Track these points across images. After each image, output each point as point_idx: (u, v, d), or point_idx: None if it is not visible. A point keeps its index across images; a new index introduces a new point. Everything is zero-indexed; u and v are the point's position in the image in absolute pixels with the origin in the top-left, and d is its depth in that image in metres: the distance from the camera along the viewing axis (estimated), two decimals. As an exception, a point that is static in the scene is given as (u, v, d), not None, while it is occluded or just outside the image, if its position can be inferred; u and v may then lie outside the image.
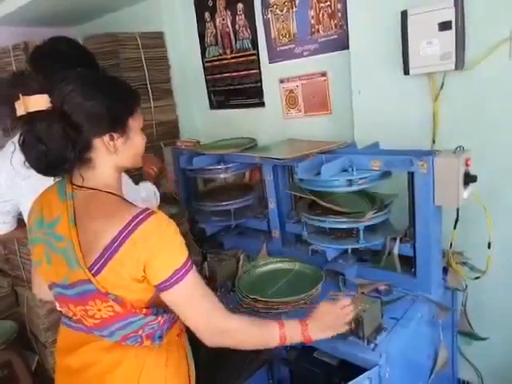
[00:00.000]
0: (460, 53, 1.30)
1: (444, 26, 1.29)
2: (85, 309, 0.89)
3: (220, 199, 1.78)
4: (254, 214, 1.78)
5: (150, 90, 2.20)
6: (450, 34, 1.28)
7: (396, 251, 1.34)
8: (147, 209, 0.87)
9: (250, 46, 2.02)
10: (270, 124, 2.03)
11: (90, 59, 1.39)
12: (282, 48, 1.89)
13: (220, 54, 2.16)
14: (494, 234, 1.31)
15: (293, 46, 1.85)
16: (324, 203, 1.37)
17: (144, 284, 0.87)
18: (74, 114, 0.84)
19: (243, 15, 1.99)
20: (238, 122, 2.17)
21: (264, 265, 1.57)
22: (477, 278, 1.41)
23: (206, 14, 2.14)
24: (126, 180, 1.17)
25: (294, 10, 1.80)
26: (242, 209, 1.77)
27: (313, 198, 1.40)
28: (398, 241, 1.34)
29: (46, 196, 0.97)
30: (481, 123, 1.35)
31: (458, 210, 1.34)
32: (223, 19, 2.08)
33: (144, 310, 0.90)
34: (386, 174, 1.32)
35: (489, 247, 1.33)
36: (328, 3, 1.70)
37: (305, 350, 1.29)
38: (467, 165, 1.18)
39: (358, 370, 1.06)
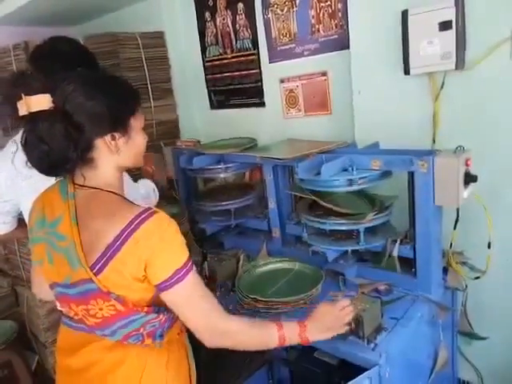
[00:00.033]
0: (460, 53, 1.30)
1: (444, 25, 1.28)
2: (86, 308, 0.89)
3: (220, 199, 1.78)
4: (254, 214, 1.78)
5: (150, 90, 2.20)
6: (451, 34, 1.28)
7: (396, 253, 1.34)
8: (149, 208, 0.88)
9: (250, 45, 2.02)
10: (270, 124, 2.03)
11: (91, 59, 1.39)
12: (283, 48, 1.89)
13: (220, 54, 2.16)
14: (493, 234, 1.31)
15: (293, 45, 1.85)
16: (324, 203, 1.37)
17: (145, 283, 0.88)
18: (75, 113, 0.85)
19: (244, 15, 1.99)
20: (238, 121, 2.17)
21: (264, 265, 1.57)
22: (477, 277, 1.41)
23: (207, 14, 2.14)
24: (126, 178, 1.17)
25: (295, 9, 1.80)
26: (242, 209, 1.77)
27: (313, 197, 1.40)
28: (398, 243, 1.34)
29: (48, 195, 0.97)
30: (481, 123, 1.35)
31: (458, 210, 1.34)
32: (223, 19, 2.08)
33: (145, 309, 0.90)
34: (386, 174, 1.32)
35: (489, 247, 1.33)
36: (328, 3, 1.70)
37: (305, 350, 1.29)
38: (467, 165, 1.18)
39: (358, 370, 1.06)
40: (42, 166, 0.87)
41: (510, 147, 1.32)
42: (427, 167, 1.17)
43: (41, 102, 0.82)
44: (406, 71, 1.40)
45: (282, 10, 1.84)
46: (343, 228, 1.35)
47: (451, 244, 1.39)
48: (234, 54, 2.10)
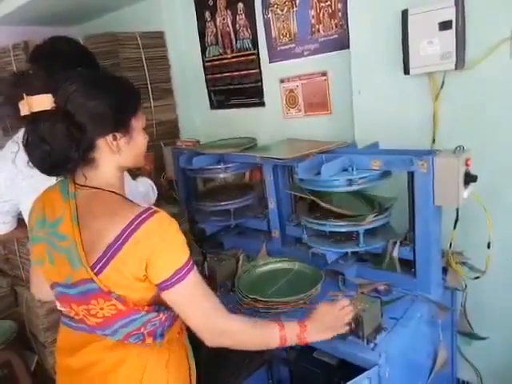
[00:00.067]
0: (460, 52, 1.30)
1: (444, 25, 1.28)
2: (87, 308, 0.89)
3: (220, 199, 1.78)
4: (254, 214, 1.78)
5: (150, 90, 2.21)
6: (451, 34, 1.28)
7: (396, 253, 1.34)
8: (150, 208, 0.88)
9: (250, 45, 2.02)
10: (270, 124, 2.03)
11: (91, 59, 1.39)
12: (283, 48, 1.89)
13: (220, 54, 2.16)
14: (493, 234, 1.31)
15: (293, 45, 1.85)
16: (323, 204, 1.37)
17: (146, 283, 0.88)
18: (77, 113, 0.85)
19: (244, 15, 1.99)
20: (238, 121, 2.17)
21: (264, 265, 1.57)
22: (476, 277, 1.41)
23: (207, 14, 2.14)
24: (125, 176, 1.17)
25: (295, 9, 1.80)
26: (242, 209, 1.77)
27: (312, 198, 1.40)
28: (398, 244, 1.34)
29: (49, 195, 0.97)
30: (481, 123, 1.35)
31: (457, 210, 1.34)
32: (223, 19, 2.08)
33: (146, 308, 0.90)
34: (385, 174, 1.32)
35: (488, 247, 1.33)
36: (328, 3, 1.70)
37: (304, 350, 1.29)
38: (467, 164, 1.18)
39: (358, 370, 1.06)
40: (43, 166, 0.87)
41: (510, 147, 1.32)
42: (427, 167, 1.17)
43: (42, 102, 0.82)
44: (406, 71, 1.40)
45: (282, 10, 1.84)
46: (343, 230, 1.35)
47: (451, 244, 1.39)
48: (234, 54, 2.10)
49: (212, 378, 1.32)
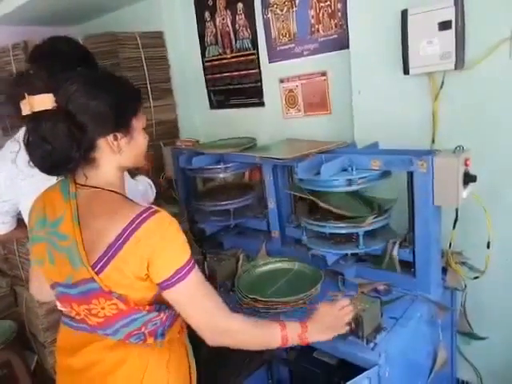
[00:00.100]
0: (460, 52, 1.30)
1: (444, 25, 1.29)
2: (88, 308, 0.89)
3: (219, 199, 1.78)
4: (254, 214, 1.78)
5: (149, 90, 2.21)
6: (450, 34, 1.28)
7: (396, 253, 1.34)
8: (150, 207, 0.88)
9: (249, 45, 2.02)
10: (270, 124, 2.03)
11: (90, 59, 1.39)
12: (282, 48, 1.89)
13: (220, 54, 2.16)
14: (493, 234, 1.32)
15: (293, 45, 1.85)
16: (322, 204, 1.37)
17: (147, 282, 0.88)
18: (78, 113, 0.85)
19: (243, 15, 1.99)
20: (237, 121, 2.17)
21: (263, 264, 1.57)
22: (476, 277, 1.41)
23: (206, 14, 2.14)
24: (125, 175, 1.18)
25: (294, 9, 1.80)
26: (242, 208, 1.77)
27: (312, 198, 1.40)
28: (397, 244, 1.34)
29: (49, 195, 0.97)
30: (480, 123, 1.35)
31: (457, 210, 1.34)
32: (223, 19, 2.08)
33: (147, 307, 0.90)
34: (385, 174, 1.32)
35: (488, 247, 1.33)
36: (328, 3, 1.70)
37: (304, 349, 1.29)
38: (467, 164, 1.18)
39: (358, 370, 1.06)
40: (44, 166, 0.88)
41: (510, 147, 1.32)
42: (426, 167, 1.17)
43: (44, 101, 0.82)
44: (406, 71, 1.40)
45: (282, 10, 1.84)
46: (343, 231, 1.35)
47: (450, 244, 1.39)
48: (234, 54, 2.10)
49: (212, 377, 1.32)
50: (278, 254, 1.63)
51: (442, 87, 1.39)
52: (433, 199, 1.20)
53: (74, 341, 0.97)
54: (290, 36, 1.85)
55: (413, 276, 1.31)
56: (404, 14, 1.35)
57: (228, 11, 2.05)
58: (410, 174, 1.26)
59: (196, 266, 0.91)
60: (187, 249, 0.90)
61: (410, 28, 1.35)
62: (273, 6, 1.87)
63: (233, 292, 1.45)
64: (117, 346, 0.93)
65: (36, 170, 0.88)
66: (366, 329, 1.09)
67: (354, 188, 1.31)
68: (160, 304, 0.93)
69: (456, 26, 1.27)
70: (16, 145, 1.22)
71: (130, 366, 0.93)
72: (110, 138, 0.90)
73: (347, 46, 1.60)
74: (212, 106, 2.31)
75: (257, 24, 1.95)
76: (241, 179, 2.01)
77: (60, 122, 0.83)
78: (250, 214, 1.78)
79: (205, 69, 2.26)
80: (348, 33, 1.57)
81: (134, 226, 0.84)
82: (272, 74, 1.97)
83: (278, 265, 1.57)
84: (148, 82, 2.20)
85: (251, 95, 2.09)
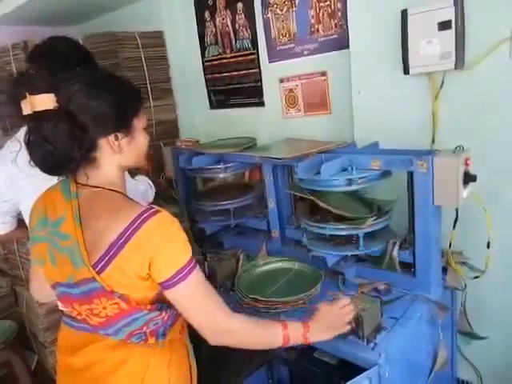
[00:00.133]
0: (460, 52, 1.30)
1: (444, 25, 1.28)
2: (90, 308, 0.89)
3: (219, 199, 1.78)
4: (254, 214, 1.78)
5: (149, 90, 2.20)
6: (450, 34, 1.28)
7: (396, 253, 1.34)
8: (152, 207, 0.88)
9: (249, 45, 2.02)
10: (270, 123, 2.03)
11: (89, 59, 1.39)
12: (282, 47, 1.89)
13: (220, 54, 2.16)
14: (493, 234, 1.32)
15: (293, 45, 1.85)
16: (322, 204, 1.37)
17: (149, 282, 0.88)
18: (80, 113, 0.85)
19: (243, 14, 1.99)
20: (237, 121, 2.17)
21: (264, 264, 1.57)
22: (476, 277, 1.41)
23: (206, 14, 2.14)
24: (125, 175, 1.18)
25: (294, 9, 1.80)
26: (242, 208, 1.77)
27: (311, 198, 1.40)
28: (397, 244, 1.34)
29: (50, 195, 0.97)
30: (480, 123, 1.35)
31: (457, 210, 1.34)
32: (223, 18, 2.08)
33: (148, 306, 0.91)
34: (385, 174, 1.32)
35: (488, 247, 1.33)
36: (328, 3, 1.69)
37: (304, 349, 1.29)
38: (467, 164, 1.18)
39: (358, 370, 1.06)
40: (45, 166, 0.88)
41: (510, 147, 1.32)
42: (426, 167, 1.17)
43: (45, 101, 0.83)
44: (406, 71, 1.40)
45: (282, 10, 1.84)
46: (343, 233, 1.35)
47: (450, 244, 1.39)
48: (234, 54, 2.10)
49: (213, 377, 1.32)
50: (278, 254, 1.63)
51: (441, 87, 1.39)
52: (433, 199, 1.20)
53: (75, 340, 0.97)
54: (289, 36, 1.85)
55: (413, 276, 1.31)
56: (404, 13, 1.35)
57: (228, 11, 2.05)
58: (410, 174, 1.25)
59: (197, 266, 0.91)
60: (188, 249, 0.90)
61: (409, 28, 1.35)
62: (273, 6, 1.87)
63: (233, 292, 1.45)
64: (118, 346, 0.93)
65: (37, 170, 0.88)
66: (366, 328, 1.09)
67: (353, 188, 1.31)
68: (162, 303, 0.93)
69: (456, 25, 1.27)
70: (16, 144, 1.22)
71: (132, 365, 0.93)
72: (111, 137, 0.90)
73: (347, 46, 1.60)
74: (212, 106, 2.31)
75: (257, 24, 1.94)
76: (241, 179, 2.01)
77: (61, 122, 0.83)
78: (250, 214, 1.78)
79: (205, 69, 2.26)
80: (348, 33, 1.57)
81: (135, 225, 0.84)
82: (272, 73, 1.97)
83: (278, 265, 1.57)
84: (148, 82, 2.20)
85: (251, 95, 2.09)
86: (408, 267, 1.34)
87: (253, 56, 2.02)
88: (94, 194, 0.91)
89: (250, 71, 2.06)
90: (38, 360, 2.15)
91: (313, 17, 1.76)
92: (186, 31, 2.25)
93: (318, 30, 1.76)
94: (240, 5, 1.98)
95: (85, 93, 0.86)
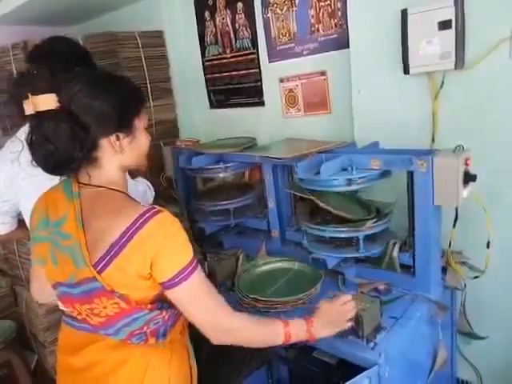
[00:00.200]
0: (460, 52, 1.29)
1: (444, 25, 1.28)
2: (90, 307, 0.89)
3: (219, 199, 1.78)
4: (254, 214, 1.78)
5: (149, 89, 2.20)
6: (450, 34, 1.28)
7: (396, 253, 1.34)
8: (153, 207, 0.88)
9: (249, 45, 2.02)
10: (270, 123, 2.03)
11: (89, 59, 1.39)
12: (282, 47, 1.89)
13: (220, 53, 2.16)
14: (493, 234, 1.32)
15: (293, 45, 1.85)
16: (322, 204, 1.37)
17: (150, 281, 0.88)
18: (81, 113, 0.85)
19: (243, 14, 1.99)
20: (237, 121, 2.17)
21: (263, 264, 1.57)
22: (476, 277, 1.41)
23: (206, 13, 2.14)
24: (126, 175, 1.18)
25: (294, 9, 1.80)
26: (242, 208, 1.77)
27: (311, 197, 1.40)
28: (397, 245, 1.34)
29: (51, 195, 0.97)
30: (480, 123, 1.35)
31: (457, 209, 1.34)
32: (223, 18, 2.08)
33: (149, 306, 0.91)
34: (385, 174, 1.32)
35: (488, 247, 1.33)
36: (328, 2, 1.69)
37: (304, 349, 1.29)
38: (467, 164, 1.18)
39: (358, 370, 1.06)
40: (47, 165, 0.88)
41: (510, 147, 1.32)
42: (426, 167, 1.17)
43: (47, 101, 0.83)
44: (406, 71, 1.40)
45: (282, 10, 1.84)
46: (343, 235, 1.35)
47: (450, 243, 1.39)
48: (234, 54, 2.10)
49: (213, 376, 1.32)
50: (278, 254, 1.63)
51: (441, 87, 1.38)
52: (433, 199, 1.20)
53: (76, 340, 0.97)
54: (289, 35, 1.85)
55: (413, 276, 1.31)
56: (404, 13, 1.35)
57: (228, 11, 2.05)
58: (410, 174, 1.26)
59: (199, 266, 0.91)
60: (190, 249, 0.91)
61: (409, 28, 1.35)
62: (273, 6, 1.87)
63: (233, 292, 1.45)
64: (119, 346, 0.93)
65: (39, 170, 0.88)
66: (365, 328, 1.09)
67: (353, 188, 1.31)
68: (162, 302, 0.93)
69: (456, 25, 1.27)
70: (17, 144, 1.22)
71: (132, 365, 0.93)
72: (113, 137, 0.90)
73: (347, 46, 1.60)
74: (212, 106, 2.31)
75: (257, 23, 1.94)
76: (241, 179, 2.01)
77: (63, 122, 0.84)
78: (249, 214, 1.78)
79: (205, 68, 2.26)
80: (348, 32, 1.57)
81: (137, 225, 0.84)
82: (272, 73, 1.96)
83: (278, 264, 1.57)
84: (148, 82, 2.19)
85: (251, 95, 2.09)
86: (408, 267, 1.34)
87: (253, 56, 2.02)
88: (95, 193, 0.91)
89: (250, 71, 2.06)
90: (37, 360, 2.15)
91: (313, 16, 1.76)
92: (185, 31, 2.25)
93: (317, 30, 1.76)
94: (240, 4, 1.98)
95: (86, 93, 0.86)
